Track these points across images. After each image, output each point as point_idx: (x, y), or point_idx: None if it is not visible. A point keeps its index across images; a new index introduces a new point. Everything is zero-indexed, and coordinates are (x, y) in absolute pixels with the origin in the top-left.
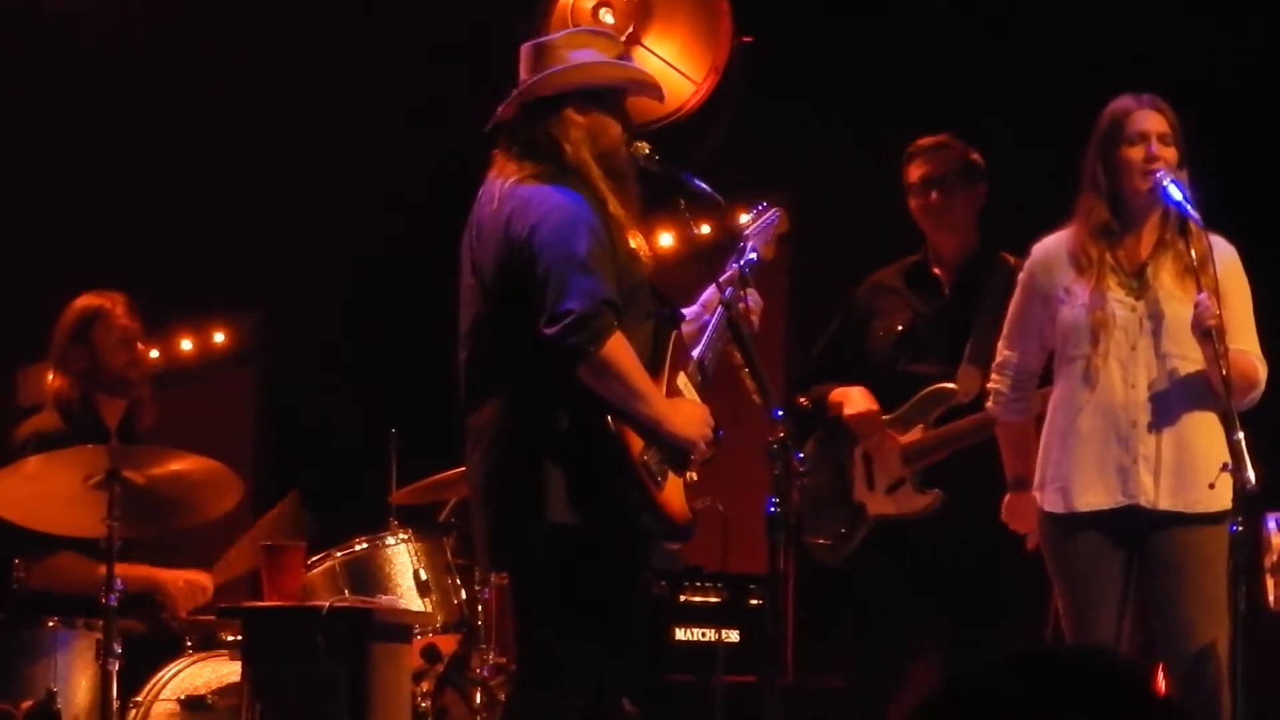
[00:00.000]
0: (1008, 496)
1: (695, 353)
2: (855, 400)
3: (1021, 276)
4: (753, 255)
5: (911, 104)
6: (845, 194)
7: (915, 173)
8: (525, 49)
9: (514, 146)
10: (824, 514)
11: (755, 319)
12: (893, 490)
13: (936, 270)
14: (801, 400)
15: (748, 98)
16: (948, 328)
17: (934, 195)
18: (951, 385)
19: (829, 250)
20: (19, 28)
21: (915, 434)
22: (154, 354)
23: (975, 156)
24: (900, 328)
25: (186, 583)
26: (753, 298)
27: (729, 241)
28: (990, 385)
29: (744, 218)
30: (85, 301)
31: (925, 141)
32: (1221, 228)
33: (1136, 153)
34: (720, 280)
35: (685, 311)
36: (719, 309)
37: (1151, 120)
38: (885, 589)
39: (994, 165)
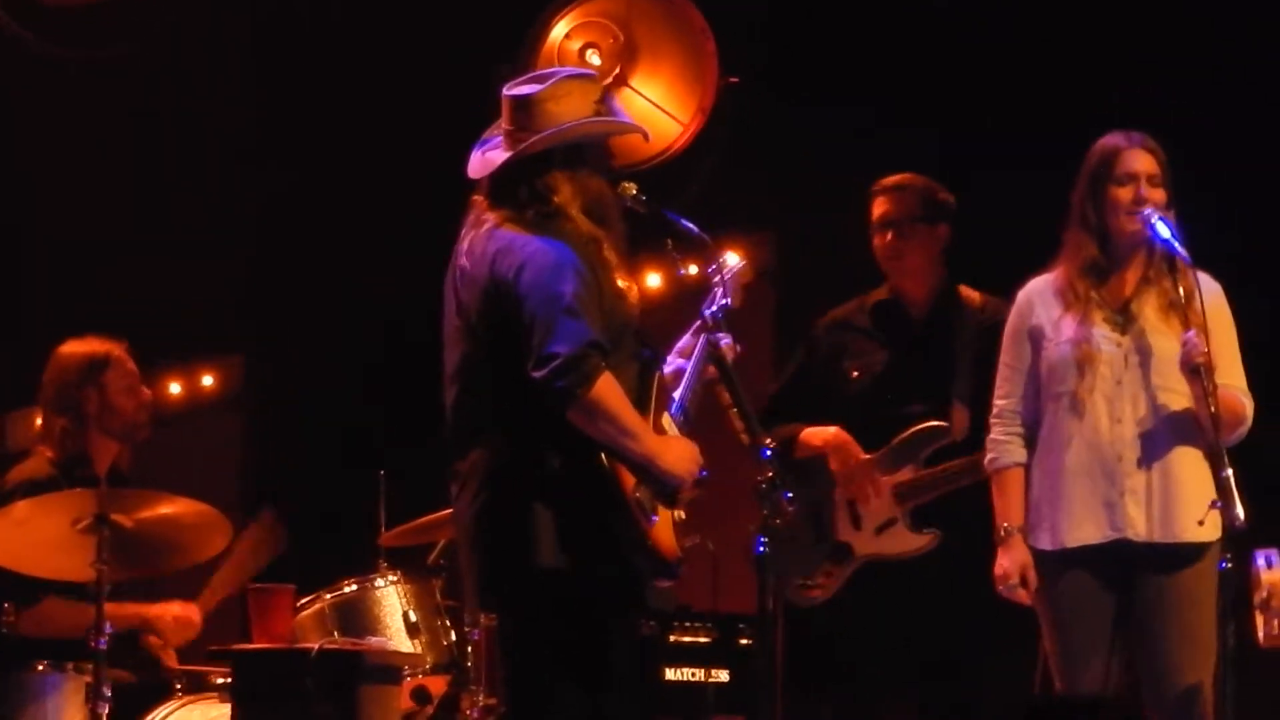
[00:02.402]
0: (999, 550)
1: (676, 394)
2: (842, 451)
3: (1009, 322)
4: (725, 301)
5: (891, 139)
6: (828, 232)
7: (875, 211)
8: (507, 99)
9: (498, 197)
10: (802, 555)
11: (730, 361)
12: (883, 530)
13: (906, 309)
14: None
15: (733, 137)
16: (926, 367)
17: (889, 236)
18: (943, 424)
19: (813, 289)
20: (8, 73)
21: (906, 473)
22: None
23: (941, 196)
24: (878, 368)
25: (174, 618)
26: (727, 341)
27: (699, 289)
28: (990, 436)
29: (694, 269)
30: (91, 346)
31: (887, 180)
32: (1210, 259)
33: (1125, 193)
34: (697, 325)
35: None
36: (696, 352)
37: (1141, 161)
38: (865, 629)
39: (981, 195)
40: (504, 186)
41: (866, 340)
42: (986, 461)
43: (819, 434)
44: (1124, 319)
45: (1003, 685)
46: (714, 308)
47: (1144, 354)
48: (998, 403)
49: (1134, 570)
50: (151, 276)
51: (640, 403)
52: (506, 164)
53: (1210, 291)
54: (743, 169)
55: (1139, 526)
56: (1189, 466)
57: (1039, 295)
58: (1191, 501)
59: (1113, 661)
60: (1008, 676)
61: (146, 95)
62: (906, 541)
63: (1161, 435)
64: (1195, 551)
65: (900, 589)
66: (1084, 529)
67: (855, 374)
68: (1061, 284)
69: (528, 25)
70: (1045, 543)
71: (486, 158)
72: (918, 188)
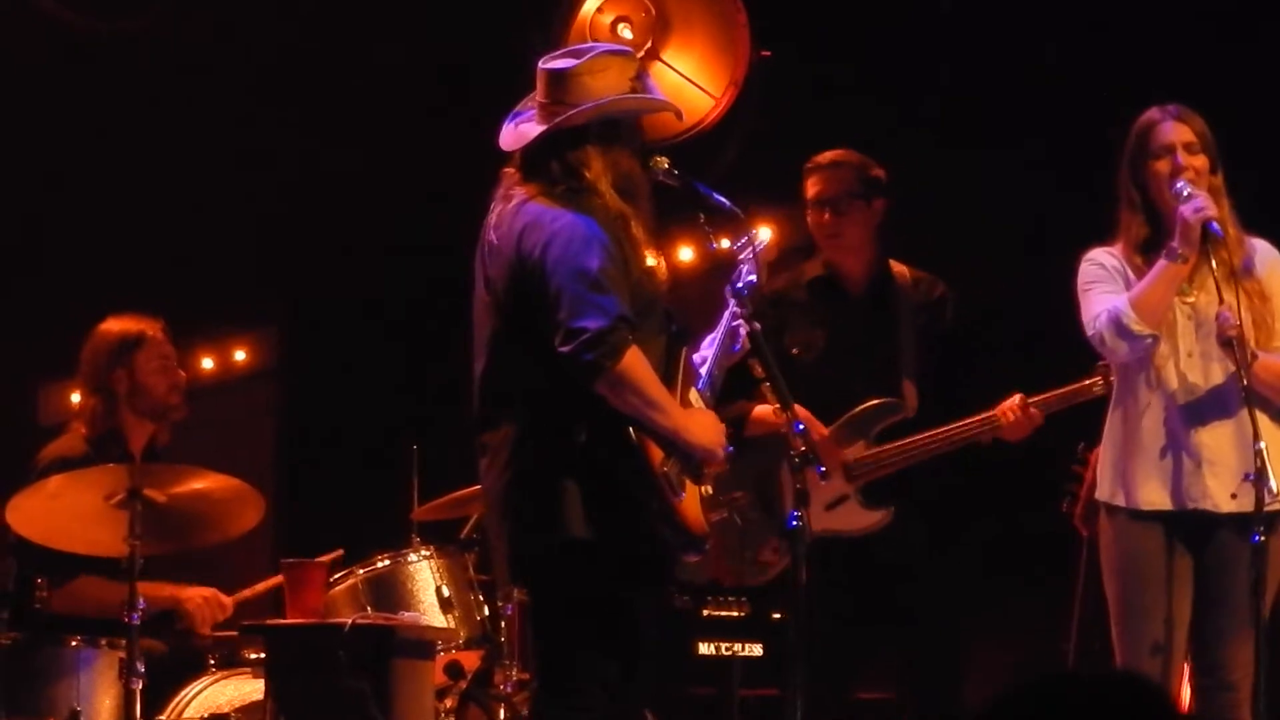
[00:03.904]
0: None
1: (704, 369)
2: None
3: (1092, 262)
4: (751, 278)
5: (921, 115)
6: None
7: (810, 190)
8: (544, 72)
9: (530, 170)
10: (751, 533)
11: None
12: (834, 506)
13: (844, 286)
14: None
15: (765, 111)
16: (867, 344)
17: (826, 215)
18: (896, 400)
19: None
20: (41, 47)
21: (857, 450)
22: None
23: (875, 173)
24: (820, 345)
25: (205, 600)
26: (748, 325)
27: (722, 267)
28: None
29: (729, 242)
30: (124, 325)
31: (822, 158)
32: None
33: (1164, 166)
34: (730, 300)
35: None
36: (722, 325)
37: (1176, 131)
38: (821, 606)
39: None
40: (537, 159)
41: (804, 316)
42: (1108, 319)
43: (766, 410)
44: (1190, 288)
45: (981, 655)
46: (740, 284)
47: (1211, 324)
48: (1094, 309)
49: (1208, 537)
50: (185, 248)
51: (667, 378)
52: (542, 136)
53: (1266, 255)
54: (775, 143)
55: (1217, 498)
56: (1268, 436)
57: (1110, 255)
58: (1272, 472)
59: (1178, 626)
60: (986, 647)
61: (176, 64)
62: (860, 519)
63: (1235, 402)
64: (1269, 520)
65: (860, 566)
66: (1159, 495)
67: (796, 351)
68: (1122, 260)
69: None
70: (1120, 499)
71: (520, 130)
72: (854, 164)
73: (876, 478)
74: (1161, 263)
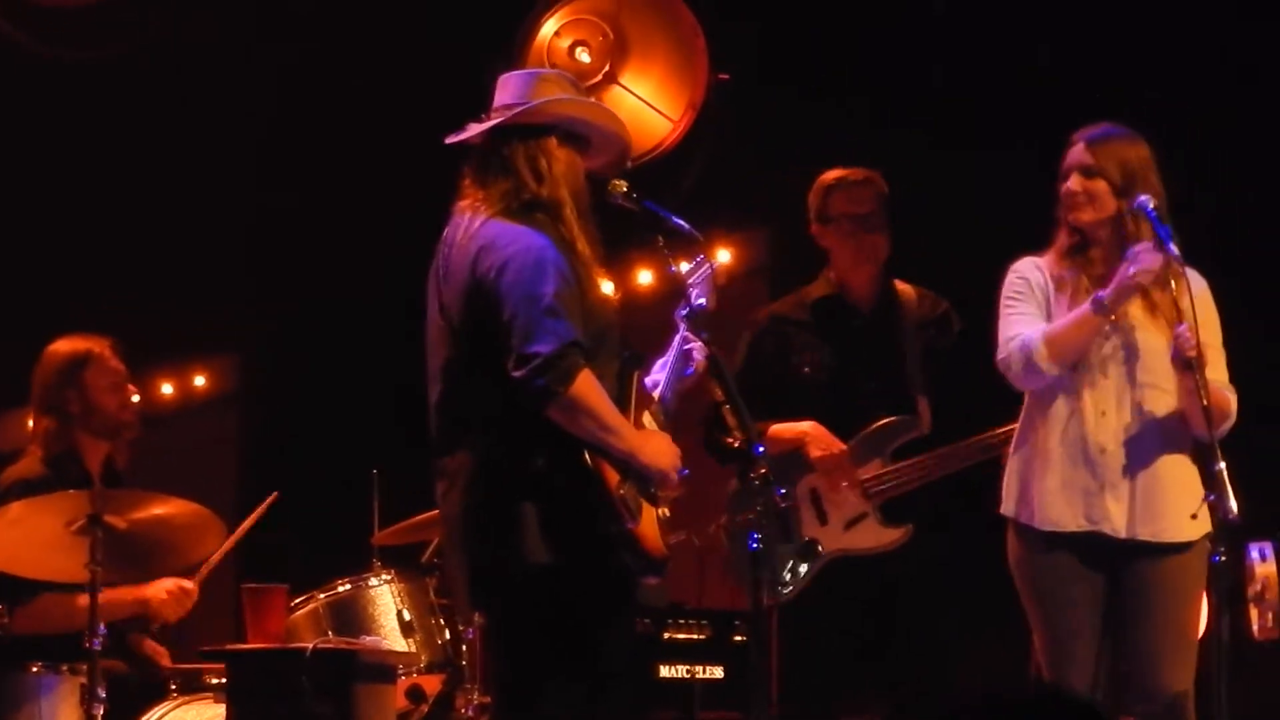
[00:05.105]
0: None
1: (657, 393)
2: (820, 440)
3: (1020, 277)
4: (700, 302)
5: (914, 117)
6: None
7: (839, 207)
8: (513, 75)
9: (486, 171)
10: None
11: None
12: (852, 525)
13: (852, 304)
14: (729, 440)
15: (724, 133)
16: (877, 362)
17: (866, 232)
18: (910, 417)
19: (806, 286)
20: (4, 72)
21: (874, 467)
22: (135, 397)
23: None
24: (831, 364)
25: (169, 593)
26: (699, 347)
27: (674, 291)
28: (1009, 351)
29: (685, 266)
30: (73, 345)
31: (852, 176)
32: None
33: (1063, 187)
34: (681, 324)
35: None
36: (674, 347)
37: (1075, 154)
38: (828, 625)
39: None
40: (499, 149)
41: (811, 336)
42: (1019, 348)
43: (792, 428)
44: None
45: (985, 681)
46: (690, 307)
47: (1131, 349)
48: (1009, 332)
49: (1116, 560)
50: (146, 275)
51: (620, 401)
52: (507, 122)
53: (1197, 285)
54: (735, 165)
55: (1116, 522)
56: (1172, 467)
57: (1035, 268)
58: (1171, 501)
59: (1101, 650)
60: (991, 673)
61: (140, 94)
62: (878, 536)
63: (1146, 434)
64: (1177, 547)
65: (871, 585)
66: (1061, 514)
67: (807, 370)
68: (1046, 271)
69: (517, 23)
70: (1026, 517)
71: (476, 128)
72: (879, 181)
73: (894, 495)
74: (1087, 309)
